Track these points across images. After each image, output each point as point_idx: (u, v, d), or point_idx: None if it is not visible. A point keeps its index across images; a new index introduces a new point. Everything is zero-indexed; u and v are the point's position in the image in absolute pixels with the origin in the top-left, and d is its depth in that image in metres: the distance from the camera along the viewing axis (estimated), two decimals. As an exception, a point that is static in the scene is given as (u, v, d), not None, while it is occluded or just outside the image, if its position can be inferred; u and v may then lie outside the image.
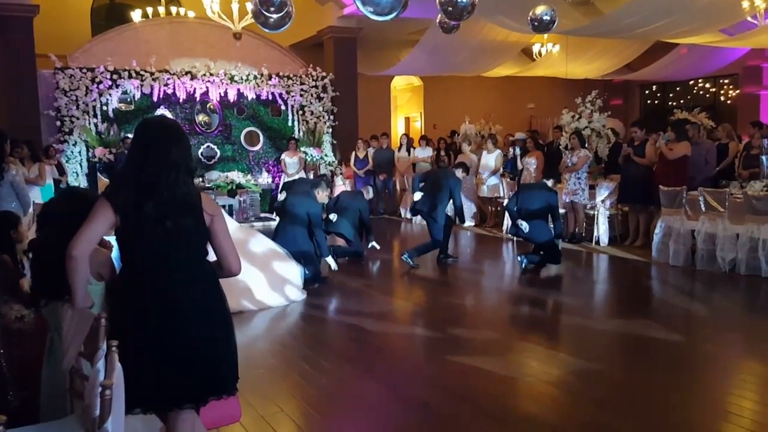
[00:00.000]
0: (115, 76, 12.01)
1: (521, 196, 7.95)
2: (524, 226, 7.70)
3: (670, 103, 18.78)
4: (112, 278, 2.88)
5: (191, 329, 2.55)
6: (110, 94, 12.02)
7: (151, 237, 2.53)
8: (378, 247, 8.61)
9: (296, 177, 12.44)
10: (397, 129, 18.91)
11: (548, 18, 6.65)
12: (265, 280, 6.39)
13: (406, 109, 19.79)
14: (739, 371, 4.68)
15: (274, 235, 7.26)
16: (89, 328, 2.51)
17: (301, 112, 13.71)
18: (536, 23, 6.79)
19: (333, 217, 8.35)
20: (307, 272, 6.94)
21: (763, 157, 7.90)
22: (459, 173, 8.52)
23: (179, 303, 2.55)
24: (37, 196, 8.73)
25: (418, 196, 8.30)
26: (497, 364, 4.70)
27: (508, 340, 5.49)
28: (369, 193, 9.59)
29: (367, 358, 5.03)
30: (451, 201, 8.19)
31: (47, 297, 2.77)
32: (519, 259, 7.92)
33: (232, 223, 6.69)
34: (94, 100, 11.90)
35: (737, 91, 17.11)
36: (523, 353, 5.10)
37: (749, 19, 10.32)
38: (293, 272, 6.69)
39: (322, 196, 7.59)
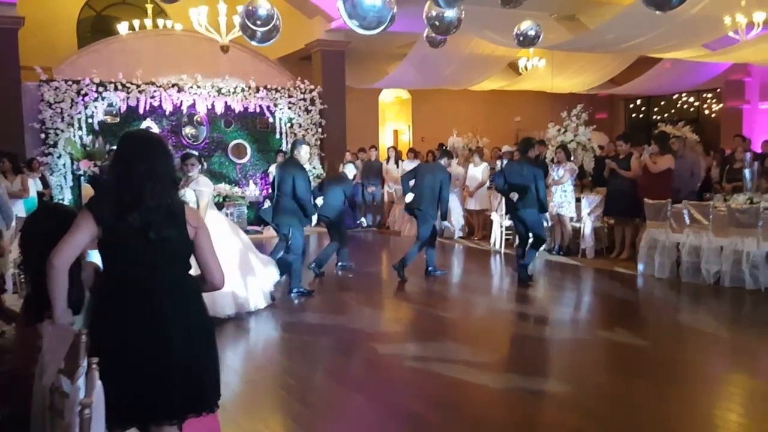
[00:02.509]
0: (100, 89, 11.96)
1: (507, 172, 7.98)
2: (514, 196, 7.70)
3: (654, 117, 18.98)
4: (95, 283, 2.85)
5: (172, 343, 2.52)
6: (96, 107, 11.97)
7: (134, 248, 2.52)
8: (365, 224, 8.69)
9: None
10: (385, 141, 18.95)
11: (533, 33, 6.70)
12: (238, 285, 6.35)
13: (394, 122, 19.85)
14: (724, 384, 4.70)
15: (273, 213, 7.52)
16: (70, 344, 2.47)
17: (289, 125, 13.72)
18: (522, 38, 6.84)
19: (319, 201, 8.41)
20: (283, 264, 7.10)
21: (746, 171, 8.00)
22: (445, 162, 8.49)
23: (160, 315, 2.52)
24: (20, 209, 8.65)
25: (410, 197, 8.35)
26: (485, 377, 4.69)
27: (496, 353, 5.49)
28: (352, 171, 9.43)
29: (353, 371, 5.00)
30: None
31: (37, 317, 2.71)
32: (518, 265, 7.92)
33: (218, 216, 6.70)
34: (80, 112, 11.84)
35: (720, 105, 17.32)
36: (510, 366, 5.10)
37: (731, 34, 10.47)
38: (266, 277, 6.72)
39: (303, 154, 7.43)
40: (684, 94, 18.47)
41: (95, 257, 3.33)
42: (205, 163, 6.81)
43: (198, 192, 6.08)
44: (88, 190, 12.02)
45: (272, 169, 12.81)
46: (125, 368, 2.46)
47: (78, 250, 2.54)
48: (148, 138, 2.72)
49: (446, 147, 13.30)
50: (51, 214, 2.88)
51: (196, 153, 6.61)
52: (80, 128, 11.90)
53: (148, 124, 12.54)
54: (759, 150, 11.63)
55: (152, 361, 2.49)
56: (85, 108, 11.89)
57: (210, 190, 6.34)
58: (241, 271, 6.40)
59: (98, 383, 2.03)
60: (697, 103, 18.45)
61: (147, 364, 2.48)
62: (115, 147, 10.08)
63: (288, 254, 7.31)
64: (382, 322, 6.68)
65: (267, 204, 9.06)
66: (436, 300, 7.54)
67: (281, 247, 9.09)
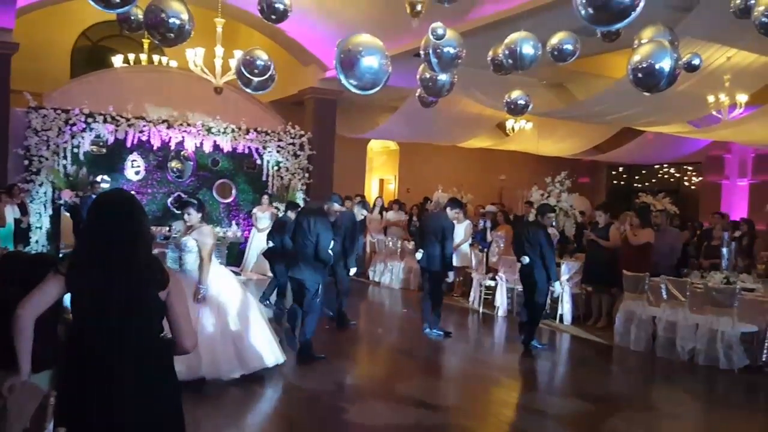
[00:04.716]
0: (89, 119, 11.92)
1: (526, 233, 7.96)
2: (525, 259, 7.71)
3: (635, 185, 19.31)
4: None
5: (134, 409, 2.48)
6: (83, 137, 11.92)
7: (102, 311, 2.48)
8: (352, 272, 8.79)
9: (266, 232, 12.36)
10: (371, 190, 19.08)
11: (523, 102, 6.84)
12: (244, 344, 6.00)
13: (381, 171, 20.00)
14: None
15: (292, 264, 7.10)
16: (37, 404, 2.40)
17: (276, 168, 13.76)
18: (512, 106, 6.97)
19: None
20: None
21: (724, 249, 8.12)
22: (452, 214, 8.28)
23: (126, 381, 2.47)
24: (-4, 237, 8.52)
25: (419, 255, 8.32)
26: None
27: (463, 419, 5.42)
28: (362, 212, 9.34)
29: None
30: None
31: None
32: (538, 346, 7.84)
33: (222, 270, 6.26)
34: (66, 141, 11.77)
35: (700, 179, 17.68)
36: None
37: (714, 113, 10.76)
38: (266, 336, 6.27)
39: (333, 211, 7.26)
40: (665, 165, 18.86)
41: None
42: (205, 210, 6.38)
43: (200, 243, 5.71)
44: (67, 220, 11.89)
45: (256, 211, 12.79)
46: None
47: (46, 303, 2.49)
48: (120, 199, 2.69)
49: (430, 199, 13.39)
50: (37, 263, 2.86)
51: (195, 201, 6.04)
52: (65, 157, 11.81)
53: (134, 158, 12.52)
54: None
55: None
56: (72, 138, 11.83)
57: (213, 240, 5.93)
58: (245, 329, 6.00)
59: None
60: (677, 175, 18.84)
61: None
62: (98, 179, 9.82)
63: (307, 316, 6.84)
64: (359, 383, 6.58)
65: (270, 243, 9.07)
66: (412, 359, 7.47)
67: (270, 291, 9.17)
